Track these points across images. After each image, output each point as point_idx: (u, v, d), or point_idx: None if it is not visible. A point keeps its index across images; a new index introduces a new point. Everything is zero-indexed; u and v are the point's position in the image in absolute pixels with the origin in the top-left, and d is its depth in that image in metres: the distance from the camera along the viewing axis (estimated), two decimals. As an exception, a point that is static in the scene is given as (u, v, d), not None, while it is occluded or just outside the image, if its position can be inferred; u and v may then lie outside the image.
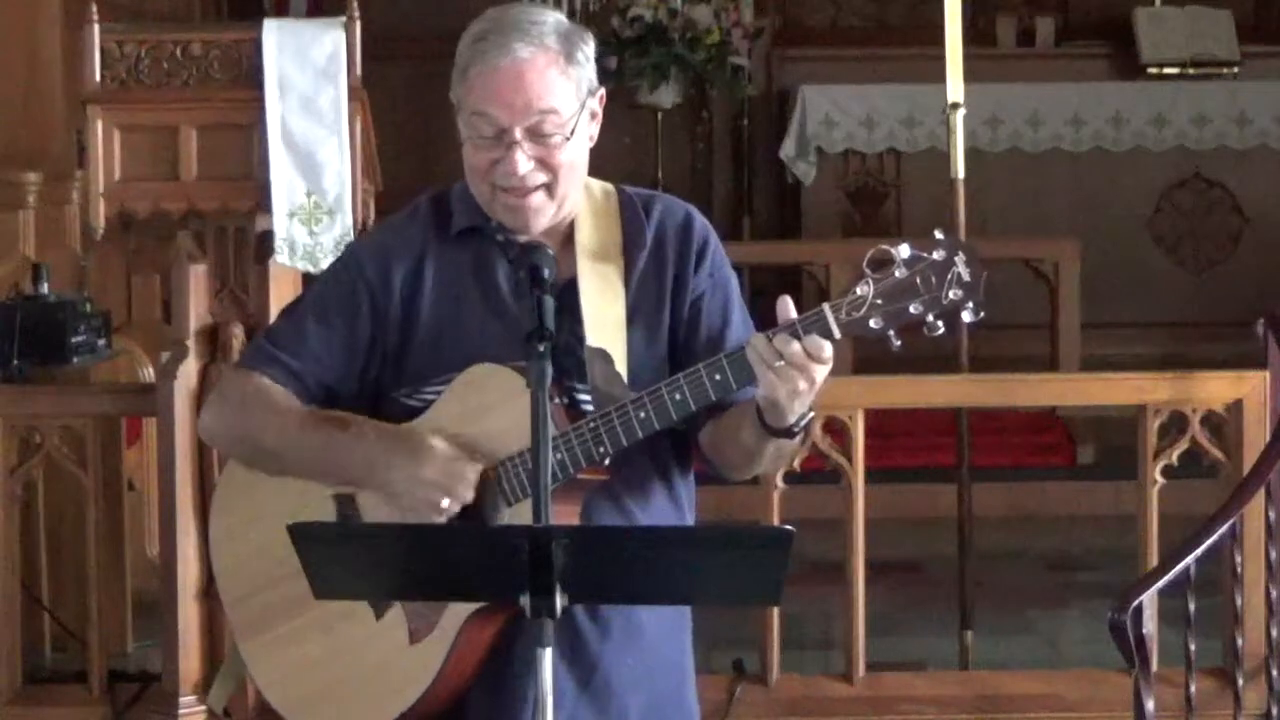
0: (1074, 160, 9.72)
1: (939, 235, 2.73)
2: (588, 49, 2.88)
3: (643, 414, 2.76)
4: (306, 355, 2.93)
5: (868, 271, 2.71)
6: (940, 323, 2.71)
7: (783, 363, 2.67)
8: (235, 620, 2.99)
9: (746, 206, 10.58)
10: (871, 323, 2.70)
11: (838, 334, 2.71)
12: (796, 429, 2.77)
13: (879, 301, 2.70)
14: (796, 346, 2.68)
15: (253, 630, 2.95)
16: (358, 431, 2.87)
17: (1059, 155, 9.70)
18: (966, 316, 2.72)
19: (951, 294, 2.71)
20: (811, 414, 2.79)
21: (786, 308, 2.73)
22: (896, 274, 2.70)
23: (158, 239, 5.63)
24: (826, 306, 2.71)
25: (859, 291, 2.70)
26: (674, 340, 2.93)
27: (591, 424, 2.77)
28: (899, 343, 2.72)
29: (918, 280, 2.70)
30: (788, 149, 9.71)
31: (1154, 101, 9.74)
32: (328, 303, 2.97)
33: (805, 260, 8.81)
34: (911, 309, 2.70)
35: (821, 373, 2.71)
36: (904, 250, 2.71)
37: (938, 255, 2.71)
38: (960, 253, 2.72)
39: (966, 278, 2.71)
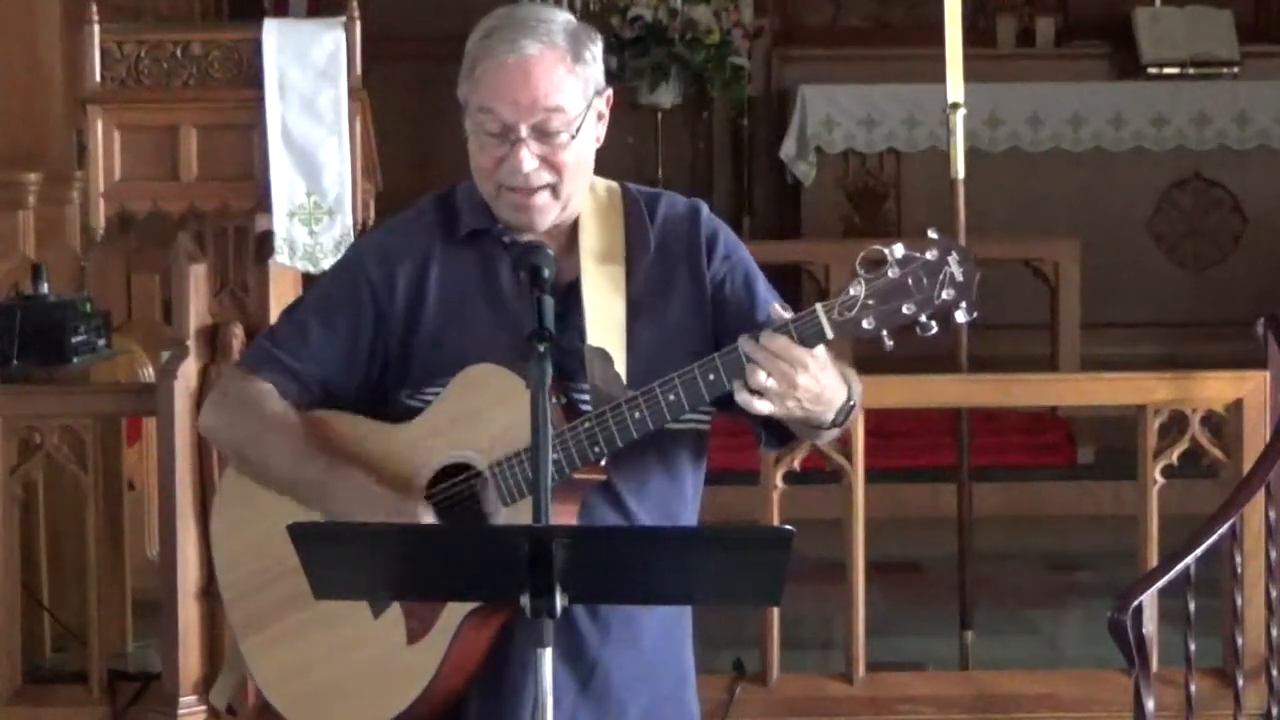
0: (1074, 160, 9.71)
1: (932, 235, 2.72)
2: (595, 49, 2.87)
3: (637, 414, 2.75)
4: (307, 355, 2.93)
5: (860, 271, 2.70)
6: (934, 323, 2.71)
7: (776, 361, 2.68)
8: (234, 617, 2.99)
9: (746, 206, 10.58)
10: (864, 323, 2.70)
11: (830, 334, 2.70)
12: (839, 420, 2.80)
13: (871, 302, 2.69)
14: (782, 341, 2.68)
15: (252, 628, 2.95)
16: (344, 477, 2.83)
17: (1059, 155, 9.70)
18: (959, 317, 2.70)
19: (944, 294, 2.69)
20: (854, 404, 2.80)
21: (777, 311, 2.74)
22: (889, 274, 2.69)
23: (158, 239, 5.63)
24: (819, 306, 2.71)
25: (851, 292, 2.70)
26: (708, 330, 2.91)
27: (587, 424, 2.77)
28: (891, 343, 2.71)
29: (910, 281, 2.69)
30: (788, 149, 9.71)
31: (1154, 101, 9.74)
32: (330, 303, 2.97)
33: (805, 260, 8.81)
34: (904, 309, 2.69)
35: (818, 375, 2.71)
36: (897, 250, 2.70)
37: (930, 255, 2.70)
38: (953, 253, 2.70)
39: (959, 278, 2.70)
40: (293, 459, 2.87)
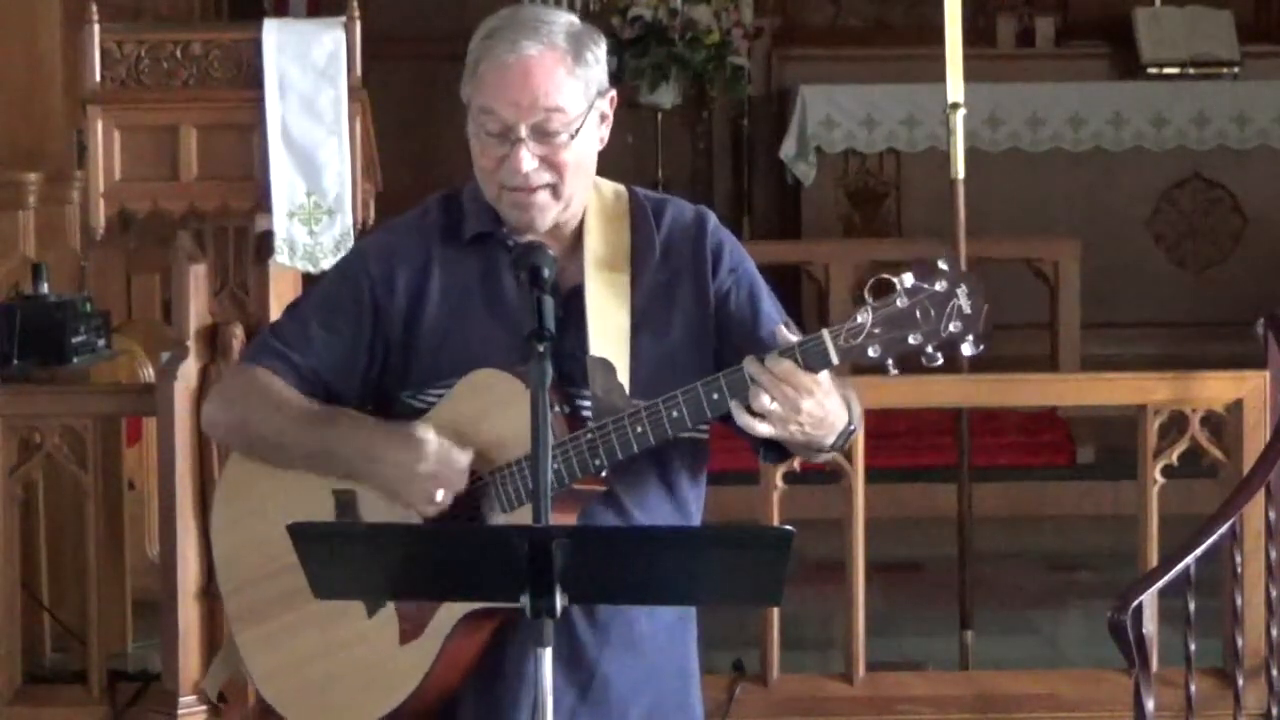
0: (1074, 160, 9.71)
1: (942, 265, 2.71)
2: (598, 50, 2.87)
3: (639, 428, 2.75)
4: (309, 353, 2.93)
5: (868, 299, 2.70)
6: (939, 354, 2.71)
7: (780, 385, 2.68)
8: (231, 611, 3.00)
9: (746, 206, 10.58)
10: (870, 351, 2.70)
11: (836, 360, 2.71)
12: (838, 444, 2.81)
13: (877, 330, 2.70)
14: (787, 365, 2.69)
15: (248, 622, 2.96)
16: (353, 424, 2.88)
17: (1059, 155, 9.70)
18: (966, 349, 2.71)
19: (951, 327, 2.70)
20: (854, 427, 2.81)
21: (783, 334, 2.74)
22: (897, 303, 2.70)
23: (158, 239, 5.62)
24: (826, 332, 2.71)
25: (859, 319, 2.70)
26: (711, 342, 2.91)
27: (588, 436, 2.77)
28: (896, 371, 2.72)
29: (917, 312, 2.69)
30: (788, 149, 9.70)
31: (1154, 101, 9.74)
32: (332, 301, 2.97)
33: (805, 260, 8.82)
34: (910, 339, 2.70)
35: (823, 401, 2.71)
36: (906, 280, 2.70)
37: (939, 286, 2.70)
38: (962, 285, 2.70)
39: (967, 310, 2.70)
40: (307, 426, 2.88)
